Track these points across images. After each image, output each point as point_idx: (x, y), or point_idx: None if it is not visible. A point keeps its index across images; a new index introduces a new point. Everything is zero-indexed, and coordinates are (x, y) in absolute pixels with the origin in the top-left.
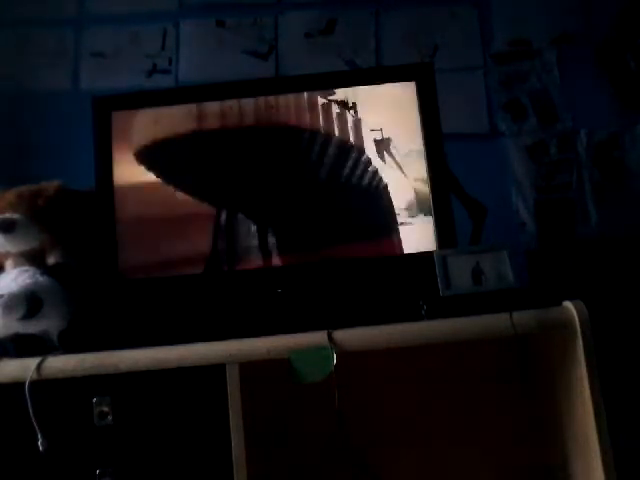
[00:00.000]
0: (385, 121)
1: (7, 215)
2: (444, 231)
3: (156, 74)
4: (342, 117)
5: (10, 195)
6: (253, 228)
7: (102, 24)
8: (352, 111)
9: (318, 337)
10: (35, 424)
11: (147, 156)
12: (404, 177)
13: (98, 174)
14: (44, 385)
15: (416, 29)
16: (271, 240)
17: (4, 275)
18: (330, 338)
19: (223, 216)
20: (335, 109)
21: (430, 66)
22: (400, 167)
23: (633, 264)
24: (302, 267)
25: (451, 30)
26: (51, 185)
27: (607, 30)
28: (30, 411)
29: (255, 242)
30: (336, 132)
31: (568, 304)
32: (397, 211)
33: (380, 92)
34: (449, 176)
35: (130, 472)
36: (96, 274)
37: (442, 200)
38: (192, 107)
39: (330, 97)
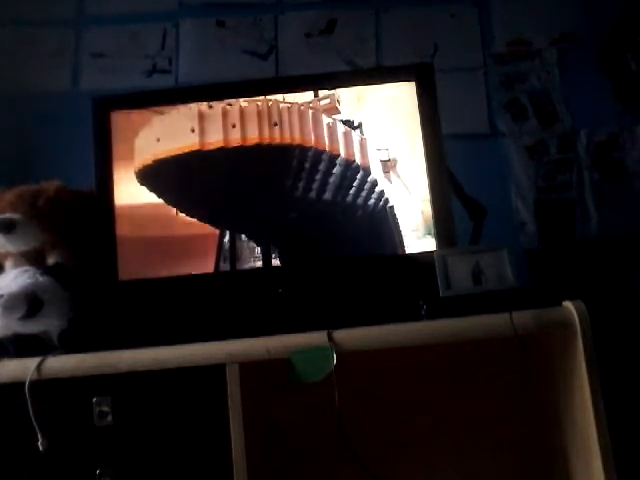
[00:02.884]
0: (391, 140)
1: (7, 215)
2: (444, 231)
3: (156, 74)
4: (348, 136)
5: (10, 195)
6: (257, 250)
7: (102, 24)
8: (358, 130)
9: (318, 337)
10: (35, 424)
11: (148, 176)
12: (410, 198)
13: (97, 174)
14: (44, 385)
15: (416, 29)
16: (275, 262)
17: (4, 275)
18: (330, 338)
19: (226, 237)
20: (340, 128)
21: (430, 66)
22: (406, 188)
23: (633, 264)
24: (302, 267)
25: (451, 30)
26: (51, 185)
27: (607, 30)
28: (30, 411)
29: (259, 263)
30: (341, 151)
31: (568, 304)
32: (403, 232)
33: (381, 97)
34: (449, 176)
35: (130, 472)
36: (96, 274)
37: (442, 200)
38: (195, 124)
39: (335, 116)
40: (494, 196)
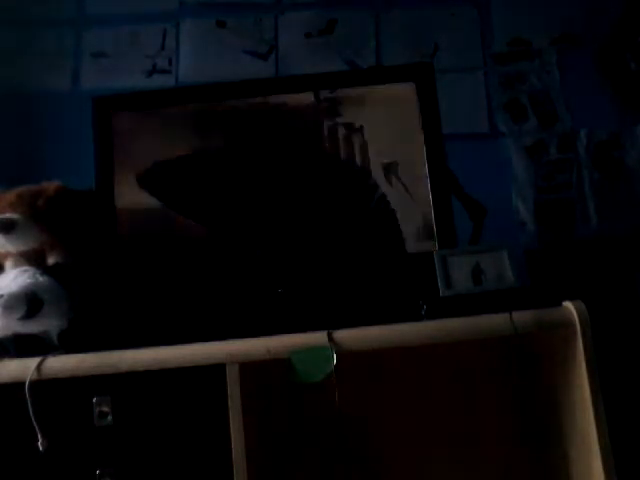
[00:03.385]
0: (391, 140)
1: (7, 215)
2: (444, 231)
3: (156, 74)
4: (348, 138)
5: (10, 195)
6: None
7: (102, 24)
8: (358, 132)
9: (318, 337)
10: (35, 424)
11: (148, 179)
12: (411, 198)
13: (97, 174)
14: (44, 385)
15: (416, 29)
16: (275, 262)
17: (4, 275)
18: (330, 338)
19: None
20: (342, 131)
21: (430, 66)
22: (407, 188)
23: (633, 264)
24: (302, 267)
25: (451, 30)
26: (51, 185)
27: (607, 30)
28: (30, 411)
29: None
30: (342, 155)
31: (568, 304)
32: (404, 233)
33: (381, 97)
34: (449, 176)
35: (130, 472)
36: (96, 274)
37: (442, 201)
38: (194, 127)
39: (337, 119)
40: (494, 196)
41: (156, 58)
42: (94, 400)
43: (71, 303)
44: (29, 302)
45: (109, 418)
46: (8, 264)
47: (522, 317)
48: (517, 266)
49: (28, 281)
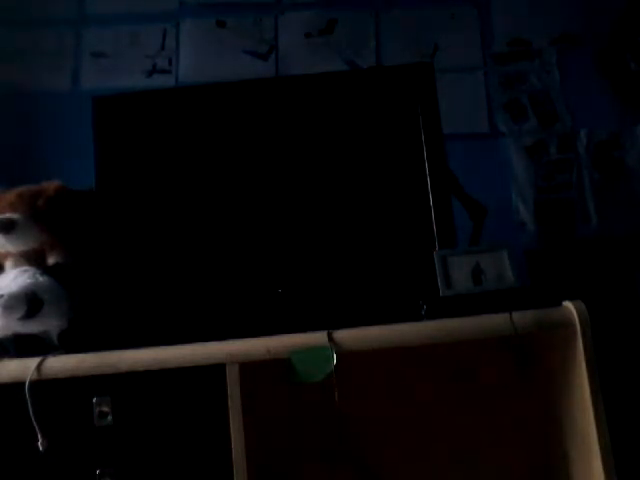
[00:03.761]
0: (391, 140)
1: (7, 215)
2: (444, 231)
3: (156, 74)
4: (349, 138)
5: (10, 195)
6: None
7: (102, 24)
8: (359, 132)
9: (318, 337)
10: (35, 424)
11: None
12: (411, 198)
13: (97, 174)
14: (44, 385)
15: (416, 29)
16: (275, 262)
17: (4, 275)
18: (330, 338)
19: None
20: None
21: (430, 66)
22: (407, 188)
23: (633, 264)
24: (302, 267)
25: (451, 30)
26: (51, 185)
27: (607, 30)
28: (30, 411)
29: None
30: (345, 155)
31: (568, 304)
32: (404, 233)
33: (381, 97)
34: (449, 176)
35: (130, 472)
36: (96, 274)
37: (442, 200)
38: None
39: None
40: (494, 196)
41: (156, 58)
42: (94, 400)
43: (71, 303)
44: (29, 302)
45: (109, 418)
46: (8, 264)
47: (522, 317)
48: (517, 266)
49: (28, 281)
